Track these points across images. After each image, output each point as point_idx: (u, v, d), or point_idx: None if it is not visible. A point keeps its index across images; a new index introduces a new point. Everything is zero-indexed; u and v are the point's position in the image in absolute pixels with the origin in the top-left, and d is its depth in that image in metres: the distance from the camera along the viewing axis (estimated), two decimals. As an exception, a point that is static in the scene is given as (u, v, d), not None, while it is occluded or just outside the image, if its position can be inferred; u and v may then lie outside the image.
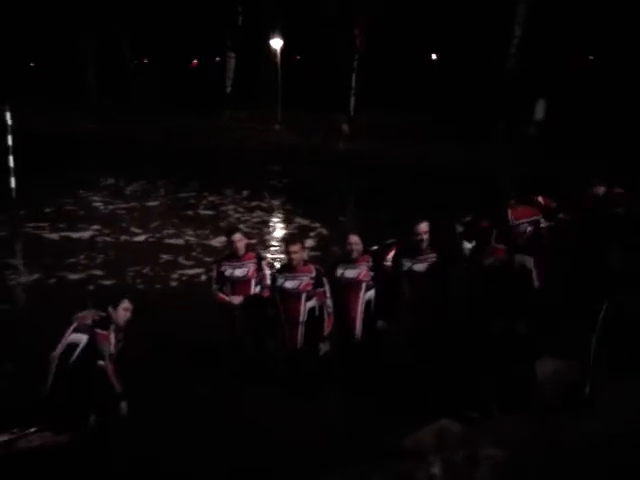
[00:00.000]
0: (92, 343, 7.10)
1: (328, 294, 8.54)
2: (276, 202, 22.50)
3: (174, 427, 7.66)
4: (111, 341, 7.22)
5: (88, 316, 7.29)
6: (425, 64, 41.61)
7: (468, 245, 9.34)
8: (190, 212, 20.76)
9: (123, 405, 7.15)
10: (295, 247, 8.58)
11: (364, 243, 8.86)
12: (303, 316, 8.46)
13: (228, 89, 43.49)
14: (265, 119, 37.09)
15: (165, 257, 15.68)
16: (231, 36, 42.75)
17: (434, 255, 8.54)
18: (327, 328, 8.51)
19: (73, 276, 14.33)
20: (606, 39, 32.28)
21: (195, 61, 56.15)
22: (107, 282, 13.83)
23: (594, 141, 25.01)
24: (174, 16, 42.82)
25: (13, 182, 20.32)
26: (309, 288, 8.46)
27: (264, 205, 21.94)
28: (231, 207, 21.60)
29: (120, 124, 37.42)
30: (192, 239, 17.40)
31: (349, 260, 8.74)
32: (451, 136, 29.64)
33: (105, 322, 7.27)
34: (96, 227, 18.36)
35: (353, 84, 36.85)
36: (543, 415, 7.03)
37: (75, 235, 17.72)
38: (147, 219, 19.55)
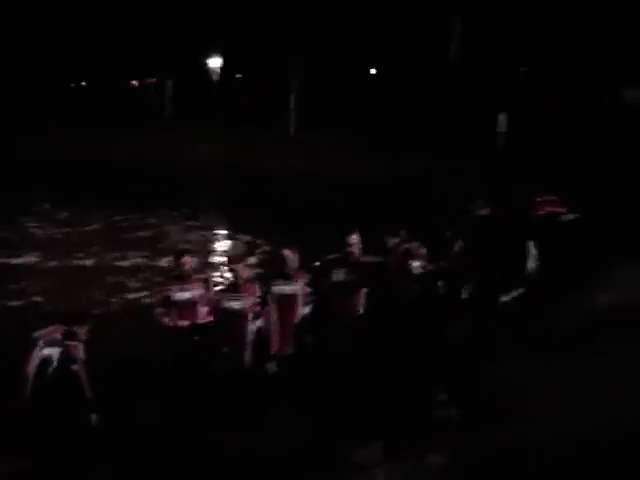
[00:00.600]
0: (65, 353, 7.48)
1: (274, 313, 8.52)
2: (215, 221, 22.57)
3: (124, 448, 7.60)
4: (80, 350, 7.59)
5: (55, 331, 7.64)
6: (364, 79, 41.91)
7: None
8: (130, 234, 20.68)
9: (93, 417, 7.45)
10: (239, 268, 8.57)
11: (304, 259, 8.87)
12: (250, 336, 8.41)
13: (166, 109, 43.23)
14: (204, 138, 36.90)
15: (113, 279, 15.61)
16: (169, 56, 42.57)
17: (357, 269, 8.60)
18: (274, 347, 8.47)
19: (15, 302, 14.07)
20: (541, 52, 32.89)
21: (134, 81, 55.73)
22: (54, 306, 13.53)
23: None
24: (111, 37, 42.51)
25: None
26: (256, 308, 8.43)
27: (201, 224, 22.04)
28: (171, 228, 21.67)
29: (53, 147, 36.81)
30: (139, 260, 17.35)
31: (286, 276, 8.72)
32: (387, 151, 29.82)
33: (73, 334, 7.61)
34: (38, 252, 18.14)
35: (292, 102, 36.93)
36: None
37: (18, 261, 17.49)
38: (87, 243, 19.34)
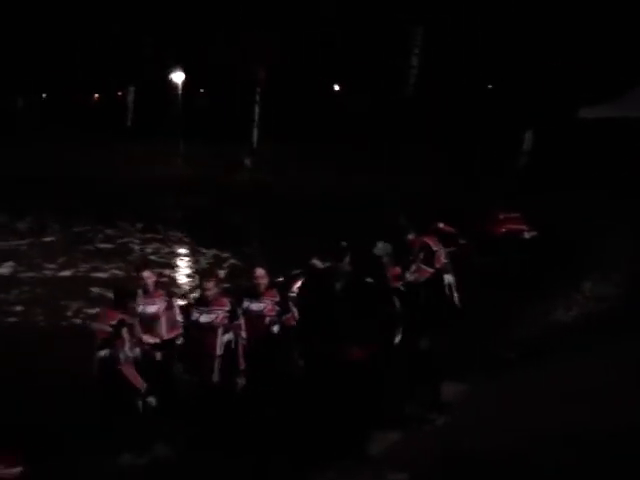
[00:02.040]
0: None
1: (243, 327, 8.53)
2: (180, 234, 22.38)
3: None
4: (126, 346, 7.90)
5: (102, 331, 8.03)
6: (328, 94, 42.07)
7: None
8: (90, 246, 20.68)
9: (151, 399, 7.93)
10: (209, 283, 8.58)
11: (270, 275, 8.92)
12: (219, 350, 8.42)
13: (128, 122, 43.15)
14: (166, 152, 36.75)
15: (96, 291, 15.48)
16: (131, 70, 42.49)
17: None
18: (243, 362, 8.48)
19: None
20: (505, 68, 33.26)
21: (97, 95, 55.49)
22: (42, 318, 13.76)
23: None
24: (71, 50, 42.32)
25: None
26: (225, 322, 8.43)
27: (162, 237, 21.94)
28: (132, 240, 21.56)
29: (13, 159, 36.47)
30: (116, 272, 17.35)
31: (255, 294, 8.77)
32: (350, 165, 29.93)
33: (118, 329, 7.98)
34: (10, 263, 18.06)
35: (255, 116, 36.92)
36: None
37: None
38: (54, 254, 19.20)
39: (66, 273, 17.51)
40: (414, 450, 7.23)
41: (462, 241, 15.95)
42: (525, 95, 31.15)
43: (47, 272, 17.56)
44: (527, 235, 16.46)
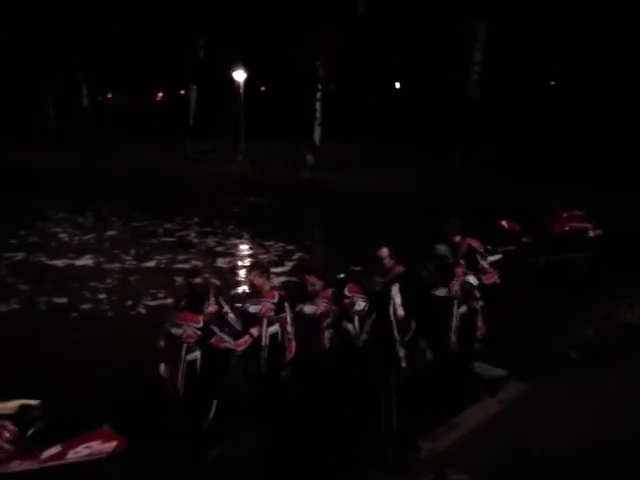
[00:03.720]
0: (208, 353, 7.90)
1: (290, 320, 8.49)
2: (241, 229, 22.58)
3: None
4: (224, 339, 7.99)
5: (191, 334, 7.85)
6: (389, 93, 41.87)
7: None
8: (153, 239, 21.15)
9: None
10: (253, 274, 8.59)
11: (328, 272, 8.86)
12: (265, 340, 8.42)
13: (191, 121, 43.60)
14: (228, 150, 37.09)
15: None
16: (193, 68, 42.93)
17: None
18: (288, 354, 8.46)
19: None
20: (568, 64, 32.74)
21: (160, 94, 56.18)
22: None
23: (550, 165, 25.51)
24: (138, 50, 42.96)
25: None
26: (270, 313, 8.43)
27: (223, 231, 22.19)
28: (190, 233, 22.07)
29: (77, 158, 37.24)
30: (196, 262, 17.57)
31: (308, 296, 8.71)
32: (416, 164, 29.72)
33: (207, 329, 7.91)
34: (89, 255, 18.65)
35: (317, 114, 36.87)
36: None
37: (79, 262, 18.06)
38: (120, 247, 19.68)
39: (150, 264, 17.96)
40: (475, 450, 7.10)
41: (525, 239, 15.75)
42: (589, 91, 30.67)
43: (128, 263, 18.06)
44: (592, 233, 16.16)
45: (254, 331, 8.31)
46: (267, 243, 20.12)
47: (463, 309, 8.29)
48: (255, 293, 8.55)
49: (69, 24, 41.85)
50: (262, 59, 39.28)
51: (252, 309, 8.44)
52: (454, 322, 8.26)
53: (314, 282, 8.64)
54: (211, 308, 8.42)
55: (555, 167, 25.28)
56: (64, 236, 21.74)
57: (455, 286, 8.28)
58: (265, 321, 8.39)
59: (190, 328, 7.83)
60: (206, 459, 7.56)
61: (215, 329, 7.96)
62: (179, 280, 15.09)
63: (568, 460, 6.88)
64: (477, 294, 8.45)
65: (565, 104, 31.88)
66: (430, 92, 35.98)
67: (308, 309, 8.64)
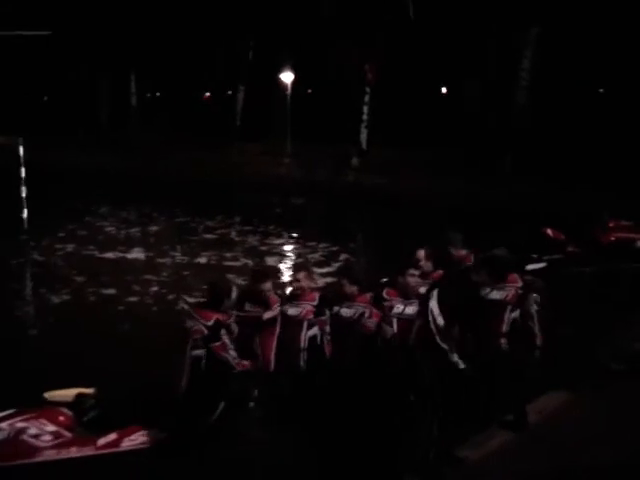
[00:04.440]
0: (212, 355, 7.69)
1: (328, 322, 8.49)
2: (287, 231, 22.44)
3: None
4: (228, 346, 7.72)
5: (199, 330, 7.70)
6: (435, 98, 41.79)
7: None
8: (195, 236, 21.47)
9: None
10: (301, 275, 8.58)
11: (369, 275, 8.82)
12: (304, 343, 8.42)
13: (238, 122, 43.83)
14: (275, 152, 37.24)
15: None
16: (242, 69, 43.17)
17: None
18: (326, 356, 8.45)
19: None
20: (617, 72, 32.42)
21: (208, 94, 56.60)
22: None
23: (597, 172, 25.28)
24: (186, 50, 43.31)
25: (25, 212, 20.58)
26: (310, 316, 8.43)
27: (268, 231, 22.29)
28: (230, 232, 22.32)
29: (126, 157, 37.72)
30: (248, 261, 17.91)
31: (347, 298, 8.67)
32: (462, 170, 29.58)
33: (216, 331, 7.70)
34: (138, 249, 19.20)
35: (364, 117, 36.82)
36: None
37: (131, 256, 18.55)
38: (167, 242, 20.04)
39: (202, 260, 18.14)
40: (514, 459, 7.06)
41: (571, 248, 15.60)
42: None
43: (180, 259, 18.30)
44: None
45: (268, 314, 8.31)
46: (311, 244, 20.14)
47: (516, 314, 8.16)
48: (296, 295, 8.57)
49: (121, 22, 42.30)
50: (309, 61, 39.39)
51: (291, 311, 8.42)
52: (504, 327, 8.15)
53: (349, 286, 8.66)
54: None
55: (604, 175, 25.03)
56: (111, 229, 22.26)
57: (510, 290, 8.16)
58: (305, 324, 8.40)
59: (200, 324, 7.69)
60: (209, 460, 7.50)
61: (224, 335, 7.74)
62: (231, 277, 15.13)
63: (607, 472, 6.84)
64: (536, 298, 8.29)
65: (614, 112, 31.58)
66: (478, 98, 35.86)
67: (345, 312, 8.65)
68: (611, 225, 16.35)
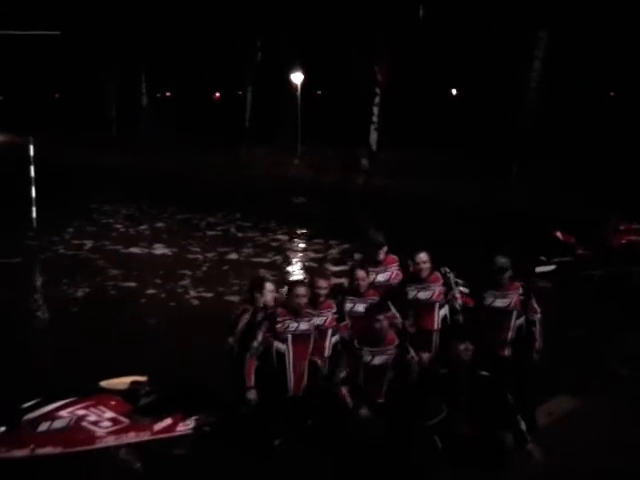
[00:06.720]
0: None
1: (349, 326, 8.42)
2: (301, 232, 22.29)
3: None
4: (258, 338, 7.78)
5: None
6: (445, 99, 41.76)
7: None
8: (199, 232, 21.60)
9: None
10: (320, 283, 8.36)
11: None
12: (328, 351, 8.30)
13: (247, 123, 43.88)
14: (284, 153, 37.26)
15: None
16: (249, 70, 43.23)
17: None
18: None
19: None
20: (629, 75, 32.33)
21: (217, 94, 56.69)
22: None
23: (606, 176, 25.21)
24: (196, 50, 43.44)
25: (34, 212, 20.66)
26: (334, 324, 8.33)
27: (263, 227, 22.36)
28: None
29: (133, 156, 37.87)
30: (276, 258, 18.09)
31: (357, 293, 8.63)
32: (471, 173, 29.51)
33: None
34: (159, 244, 19.32)
35: (374, 119, 36.79)
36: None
37: (155, 251, 18.74)
38: (179, 238, 20.23)
39: (232, 256, 18.20)
40: (524, 463, 7.03)
41: (581, 251, 15.55)
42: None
43: (210, 254, 18.38)
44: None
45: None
46: (321, 242, 20.15)
47: (521, 321, 8.15)
48: (311, 302, 8.14)
49: (131, 22, 42.47)
50: (319, 62, 39.41)
51: (316, 321, 8.09)
52: (510, 334, 8.13)
53: (364, 277, 8.63)
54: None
55: (613, 178, 24.97)
56: (119, 227, 22.31)
57: (514, 297, 8.15)
58: (330, 332, 8.25)
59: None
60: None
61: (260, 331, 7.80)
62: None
63: (616, 477, 6.81)
64: (535, 305, 8.30)
65: (625, 115, 31.50)
66: (487, 100, 35.81)
67: (359, 307, 8.54)
68: (622, 228, 16.29)
